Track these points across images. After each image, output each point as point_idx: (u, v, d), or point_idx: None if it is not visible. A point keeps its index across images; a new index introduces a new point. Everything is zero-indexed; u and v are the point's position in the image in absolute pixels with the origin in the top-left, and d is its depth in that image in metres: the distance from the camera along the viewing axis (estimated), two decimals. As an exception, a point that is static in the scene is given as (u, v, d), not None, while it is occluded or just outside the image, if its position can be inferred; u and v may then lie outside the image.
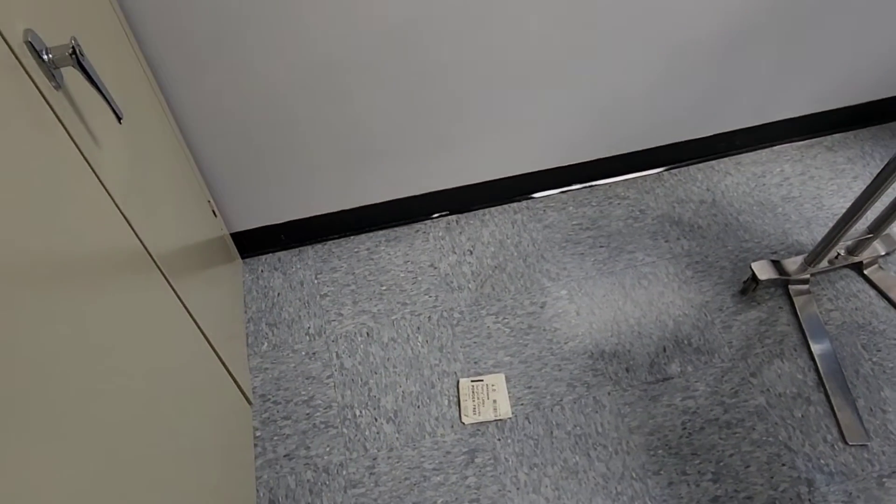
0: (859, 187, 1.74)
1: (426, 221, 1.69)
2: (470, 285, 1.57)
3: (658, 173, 1.78)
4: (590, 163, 1.70)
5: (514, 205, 1.73)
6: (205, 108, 1.25)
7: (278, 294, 1.57)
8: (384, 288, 1.57)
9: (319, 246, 1.66)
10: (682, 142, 1.72)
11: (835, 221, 1.40)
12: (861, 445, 1.31)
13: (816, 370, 1.41)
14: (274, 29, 1.14)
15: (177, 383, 0.90)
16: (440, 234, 1.67)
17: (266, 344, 1.48)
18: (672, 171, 1.78)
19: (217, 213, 1.45)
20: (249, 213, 1.53)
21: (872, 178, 1.26)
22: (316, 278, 1.60)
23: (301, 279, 1.60)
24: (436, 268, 1.60)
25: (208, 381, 1.08)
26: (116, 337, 0.73)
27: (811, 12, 1.45)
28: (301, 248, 1.65)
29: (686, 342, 1.46)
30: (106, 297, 0.72)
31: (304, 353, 1.46)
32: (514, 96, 1.44)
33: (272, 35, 1.15)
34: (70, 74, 0.73)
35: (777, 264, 1.50)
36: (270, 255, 1.64)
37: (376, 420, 1.36)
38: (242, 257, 1.64)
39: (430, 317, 1.52)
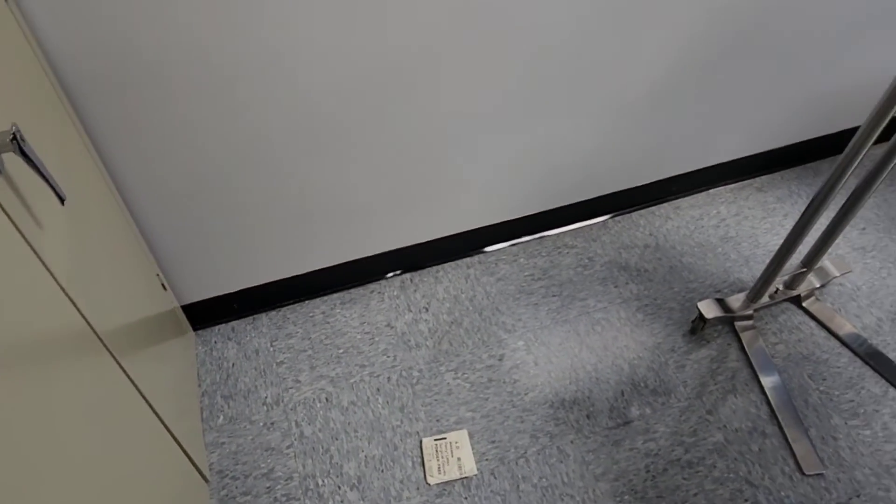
0: (790, 224, 1.83)
1: (380, 281, 1.70)
2: (427, 343, 1.57)
3: (603, 221, 1.84)
4: (537, 215, 1.75)
5: (467, 260, 1.75)
6: (150, 183, 1.25)
7: (233, 364, 1.54)
8: (341, 351, 1.56)
9: (274, 313, 1.64)
10: (623, 190, 1.80)
11: (770, 258, 1.46)
12: (817, 475, 1.34)
13: (768, 403, 1.45)
14: (211, 105, 1.16)
15: (128, 465, 0.87)
16: (395, 293, 1.68)
17: (222, 417, 1.44)
18: (616, 218, 1.85)
19: (167, 286, 1.43)
20: (200, 284, 1.51)
21: (800, 215, 1.34)
22: (271, 346, 1.57)
23: (256, 347, 1.57)
24: (392, 327, 1.60)
25: (161, 462, 1.04)
26: (63, 420, 0.70)
27: (732, 69, 1.56)
28: (255, 316, 1.63)
29: (643, 384, 1.49)
30: (51, 380, 0.70)
31: (261, 423, 1.43)
32: (461, 155, 1.48)
33: (211, 111, 1.17)
34: (11, 160, 0.73)
35: (721, 302, 1.55)
36: (224, 325, 1.62)
37: (339, 488, 1.33)
38: (195, 329, 1.61)
39: (389, 377, 1.51)
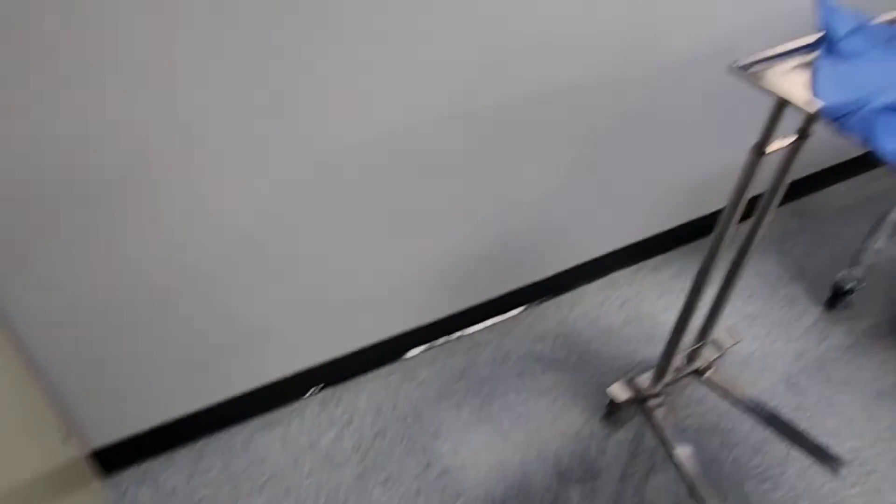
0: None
1: (300, 400, 1.68)
2: (353, 459, 1.55)
3: (514, 316, 1.91)
4: (451, 316, 1.80)
5: (387, 367, 1.77)
6: (47, 331, 1.22)
7: (148, 509, 1.46)
8: (265, 478, 1.52)
9: (191, 446, 1.58)
10: (528, 285, 1.89)
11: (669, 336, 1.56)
12: (740, 544, 1.39)
13: (686, 478, 1.50)
14: (99, 250, 1.18)
15: None
16: (316, 410, 1.66)
17: (137, 570, 1.35)
18: (525, 311, 1.93)
19: (70, 436, 1.37)
20: (109, 427, 1.45)
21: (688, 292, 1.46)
22: (188, 483, 1.51)
23: (172, 487, 1.50)
24: (315, 447, 1.58)
25: None
26: None
27: (610, 168, 1.72)
28: (170, 453, 1.57)
29: (568, 474, 1.52)
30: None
31: (181, 571, 1.35)
32: (362, 271, 1.53)
33: (106, 256, 1.18)
34: None
35: (631, 383, 1.63)
36: (136, 467, 1.54)
37: None
38: (107, 475, 1.52)
39: (316, 501, 1.47)
